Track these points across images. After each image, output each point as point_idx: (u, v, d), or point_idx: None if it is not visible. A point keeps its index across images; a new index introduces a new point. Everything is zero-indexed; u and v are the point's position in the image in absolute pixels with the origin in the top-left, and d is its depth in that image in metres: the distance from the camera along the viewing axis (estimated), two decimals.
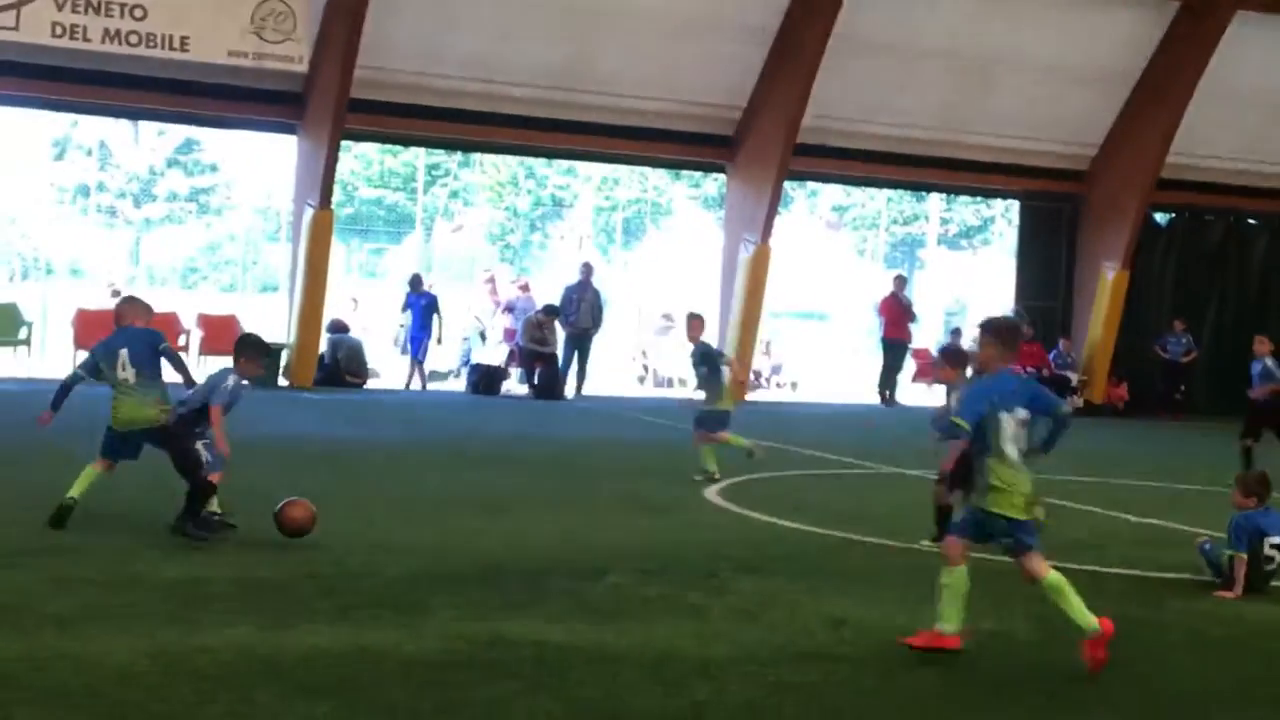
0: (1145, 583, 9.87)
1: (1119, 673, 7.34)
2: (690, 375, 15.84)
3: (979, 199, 41.13)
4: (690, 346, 14.81)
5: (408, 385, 26.00)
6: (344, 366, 24.79)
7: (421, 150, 39.16)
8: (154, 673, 6.48)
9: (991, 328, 7.72)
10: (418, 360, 26.20)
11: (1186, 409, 27.90)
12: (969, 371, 9.84)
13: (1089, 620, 7.15)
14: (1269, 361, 16.75)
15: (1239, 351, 29.38)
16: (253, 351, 10.42)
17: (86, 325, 24.70)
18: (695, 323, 14.86)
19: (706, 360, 14.66)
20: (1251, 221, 30.02)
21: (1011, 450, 7.23)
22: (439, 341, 26.43)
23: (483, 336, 27.99)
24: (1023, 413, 7.30)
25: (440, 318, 26.25)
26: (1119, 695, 6.94)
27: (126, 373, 9.92)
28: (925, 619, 8.31)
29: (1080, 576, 8.97)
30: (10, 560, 8.78)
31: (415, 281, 26.94)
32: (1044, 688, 7.01)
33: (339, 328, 25.30)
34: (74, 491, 9.87)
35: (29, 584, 8.16)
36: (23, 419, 13.26)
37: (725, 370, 14.81)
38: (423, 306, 26.09)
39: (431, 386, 26.73)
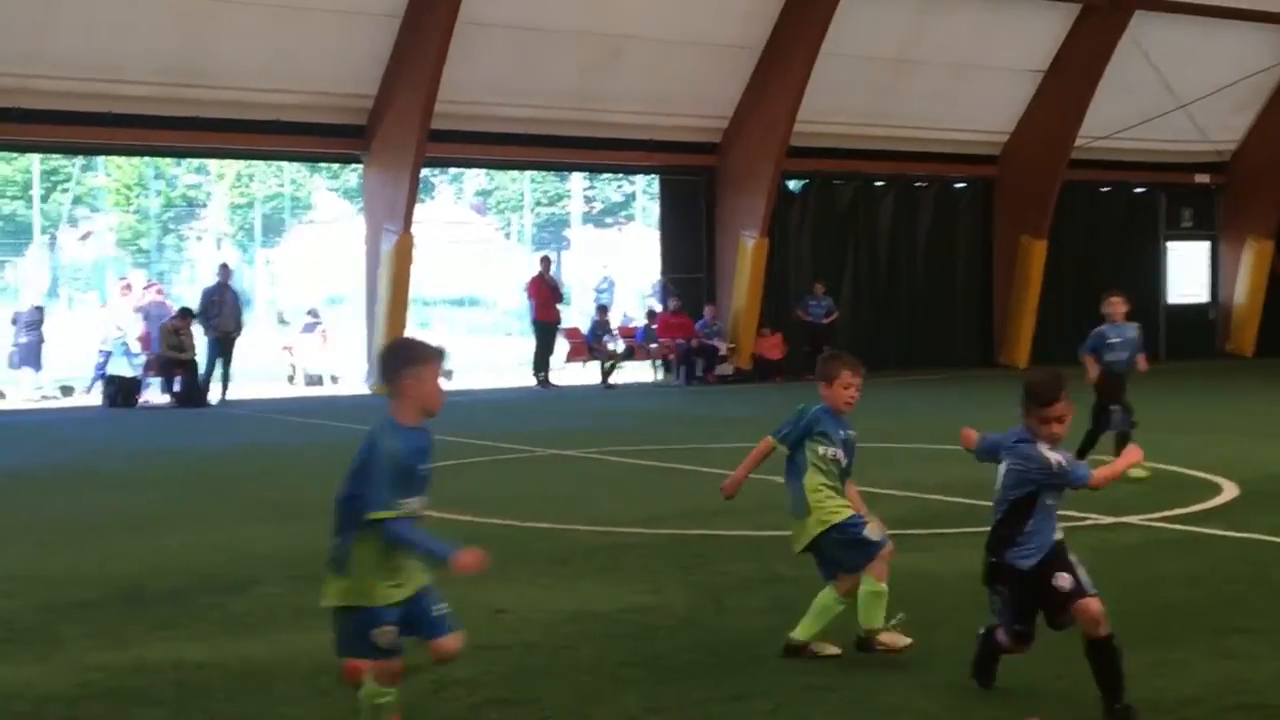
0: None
1: (774, 634, 7.42)
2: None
3: (620, 176, 41.60)
4: None
5: None
6: None
7: (36, 156, 37.11)
8: None
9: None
10: None
11: None
12: None
13: None
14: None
15: (876, 309, 30.68)
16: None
17: None
18: None
19: None
20: (878, 184, 31.19)
21: None
22: None
23: (126, 347, 26.38)
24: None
25: (24, 327, 24.20)
26: (769, 653, 7.01)
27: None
28: (584, 598, 8.21)
29: (740, 541, 9.07)
30: None
31: None
32: (708, 661, 6.99)
33: None
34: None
35: None
36: None
37: None
38: None
39: (62, 404, 25.32)
